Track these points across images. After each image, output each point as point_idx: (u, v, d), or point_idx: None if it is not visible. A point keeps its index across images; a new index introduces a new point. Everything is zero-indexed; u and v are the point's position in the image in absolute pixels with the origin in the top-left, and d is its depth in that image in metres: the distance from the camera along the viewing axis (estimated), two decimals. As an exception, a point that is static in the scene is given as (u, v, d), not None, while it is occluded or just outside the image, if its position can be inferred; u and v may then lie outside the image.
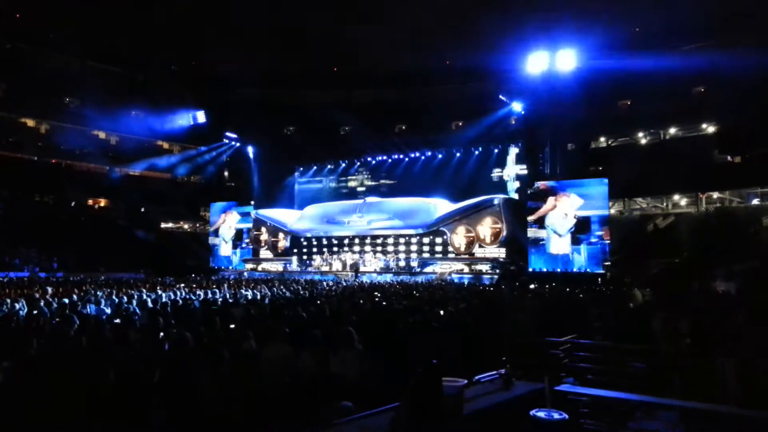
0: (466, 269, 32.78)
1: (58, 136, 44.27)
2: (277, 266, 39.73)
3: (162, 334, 7.76)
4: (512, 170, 38.87)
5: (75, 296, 13.94)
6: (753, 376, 4.55)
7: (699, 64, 31.81)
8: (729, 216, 32.24)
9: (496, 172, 39.75)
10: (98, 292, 15.14)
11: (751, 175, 33.22)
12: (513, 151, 38.62)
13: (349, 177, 46.63)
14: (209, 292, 17.30)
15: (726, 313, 8.60)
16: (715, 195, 35.57)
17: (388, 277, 31.59)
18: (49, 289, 16.32)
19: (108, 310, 11.86)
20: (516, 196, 36.63)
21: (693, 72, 32.79)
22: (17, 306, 11.68)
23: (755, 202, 33.93)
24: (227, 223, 42.80)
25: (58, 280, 25.53)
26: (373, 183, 44.94)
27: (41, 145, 44.46)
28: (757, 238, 28.23)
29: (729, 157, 34.92)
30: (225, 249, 42.92)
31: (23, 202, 41.63)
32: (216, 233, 43.52)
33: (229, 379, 5.32)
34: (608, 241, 28.65)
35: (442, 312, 10.16)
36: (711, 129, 36.14)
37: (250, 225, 41.93)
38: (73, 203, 45.06)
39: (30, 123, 44.99)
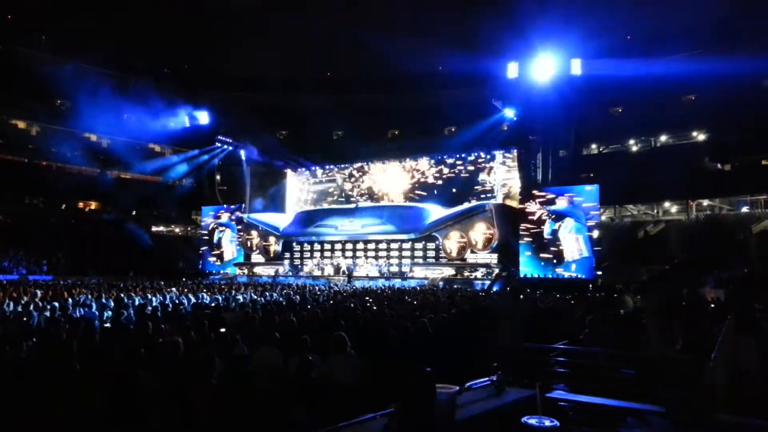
0: (458, 275, 32.79)
1: (49, 138, 44.02)
2: (268, 271, 39.60)
3: (152, 338, 7.72)
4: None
5: (69, 300, 13.84)
6: (741, 381, 4.58)
7: (690, 72, 32.05)
8: (719, 223, 32.45)
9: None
10: (88, 296, 15.05)
11: (741, 182, 33.50)
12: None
13: (342, 180, 46.60)
14: (200, 296, 17.22)
15: (715, 319, 8.66)
16: (705, 202, 35.81)
17: (380, 282, 31.55)
18: (39, 292, 16.20)
19: (98, 314, 11.79)
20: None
21: (684, 80, 33.05)
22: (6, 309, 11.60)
23: (745, 209, 34.16)
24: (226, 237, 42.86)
25: (47, 283, 25.35)
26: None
27: (32, 147, 44.20)
28: (747, 246, 28.43)
29: (719, 165, 35.18)
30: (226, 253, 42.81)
31: (13, 204, 41.34)
32: (209, 238, 43.38)
33: (220, 385, 5.30)
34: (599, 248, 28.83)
35: (433, 317, 10.15)
36: (701, 137, 36.42)
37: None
38: (63, 206, 44.79)
39: (21, 125, 44.76)
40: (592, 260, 28.63)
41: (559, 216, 29.56)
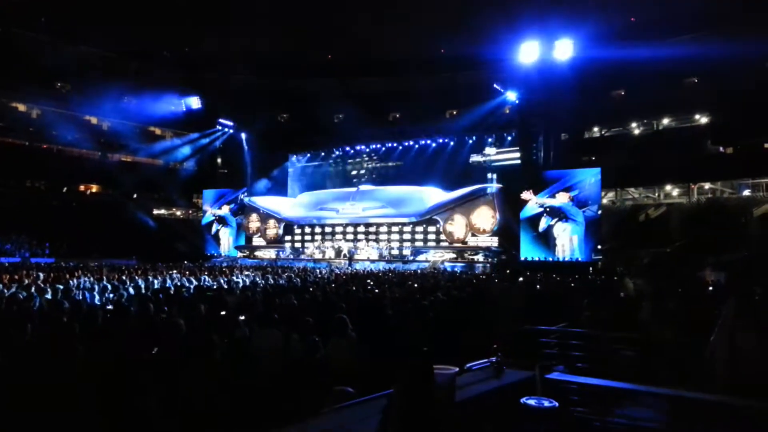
0: (459, 258, 32.88)
1: (50, 121, 43.88)
2: (270, 254, 39.70)
3: (154, 320, 7.76)
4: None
5: (71, 282, 13.90)
6: (740, 364, 4.61)
7: (692, 54, 31.83)
8: (720, 207, 32.43)
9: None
10: (90, 278, 15.11)
11: (743, 166, 33.43)
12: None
13: (343, 164, 46.63)
14: (202, 278, 17.29)
15: (715, 302, 8.68)
16: (707, 185, 35.77)
17: (381, 265, 31.64)
18: (41, 275, 16.27)
19: (99, 297, 11.85)
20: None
21: (686, 62, 32.83)
22: (8, 292, 11.64)
23: (746, 192, 34.14)
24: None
25: (50, 265, 25.45)
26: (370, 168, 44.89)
27: (32, 130, 44.08)
28: (748, 229, 28.44)
29: (721, 148, 35.08)
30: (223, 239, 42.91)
31: (14, 187, 41.37)
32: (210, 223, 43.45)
33: (221, 367, 5.34)
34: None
35: (434, 300, 10.20)
36: (704, 120, 36.26)
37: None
38: (64, 189, 44.81)
39: (21, 108, 44.60)
40: (591, 245, 28.68)
41: (555, 212, 29.43)
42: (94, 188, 47.21)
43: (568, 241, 28.99)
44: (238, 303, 10.03)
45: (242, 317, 7.83)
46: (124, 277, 16.02)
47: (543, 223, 29.73)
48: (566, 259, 28.98)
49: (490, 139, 39.18)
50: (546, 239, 29.70)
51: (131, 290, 12.70)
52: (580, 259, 28.48)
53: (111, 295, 11.91)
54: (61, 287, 12.13)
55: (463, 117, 39.19)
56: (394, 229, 36.68)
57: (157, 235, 41.66)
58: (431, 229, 35.43)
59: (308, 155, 47.17)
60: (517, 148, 36.19)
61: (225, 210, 42.59)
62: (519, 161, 35.44)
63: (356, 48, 43.93)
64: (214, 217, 42.89)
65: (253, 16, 40.80)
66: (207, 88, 46.43)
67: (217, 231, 42.80)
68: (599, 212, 28.98)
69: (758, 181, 33.75)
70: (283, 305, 9.08)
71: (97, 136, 46.36)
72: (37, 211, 38.20)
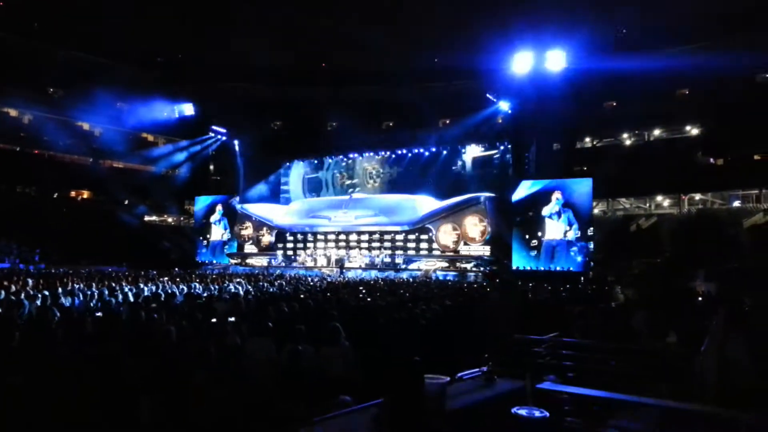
0: (451, 267, 32.89)
1: (41, 126, 43.69)
2: (261, 261, 39.58)
3: (144, 327, 7.70)
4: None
5: (60, 289, 13.79)
6: (731, 375, 4.62)
7: (683, 66, 32.11)
8: (710, 217, 32.61)
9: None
10: (80, 285, 15.00)
11: (733, 177, 33.68)
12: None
13: (336, 172, 46.62)
14: (193, 285, 17.19)
15: (705, 313, 8.72)
16: (698, 196, 35.98)
17: (373, 274, 31.58)
18: (30, 281, 16.13)
19: (89, 303, 11.76)
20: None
21: (677, 74, 33.11)
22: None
23: (736, 204, 34.34)
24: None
25: (39, 272, 25.26)
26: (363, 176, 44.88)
27: (24, 136, 43.90)
28: (738, 240, 28.59)
29: (711, 160, 35.33)
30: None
31: (4, 192, 41.10)
32: (202, 228, 43.35)
33: (215, 375, 5.30)
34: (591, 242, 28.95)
35: (426, 309, 10.18)
36: (695, 131, 36.53)
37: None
38: (55, 195, 44.55)
39: (13, 113, 44.40)
40: (584, 251, 28.75)
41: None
42: (85, 194, 46.98)
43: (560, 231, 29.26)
44: (228, 310, 9.97)
45: (233, 323, 7.79)
46: (114, 284, 15.91)
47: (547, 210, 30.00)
48: (555, 266, 29.11)
49: (482, 148, 39.07)
50: (539, 247, 29.87)
51: (121, 297, 12.61)
52: (572, 269, 28.58)
53: (100, 302, 11.83)
54: (50, 293, 12.03)
55: (456, 126, 39.24)
56: (387, 237, 36.65)
57: (148, 242, 41.45)
58: (423, 237, 35.44)
59: (301, 163, 47.10)
60: (508, 151, 36.25)
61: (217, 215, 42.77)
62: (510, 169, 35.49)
63: (350, 56, 44.04)
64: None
65: (248, 24, 40.87)
66: (200, 94, 46.34)
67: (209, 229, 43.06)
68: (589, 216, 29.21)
69: (748, 192, 33.98)
70: (274, 313, 9.03)
71: (89, 142, 46.23)
72: (27, 217, 37.95)
